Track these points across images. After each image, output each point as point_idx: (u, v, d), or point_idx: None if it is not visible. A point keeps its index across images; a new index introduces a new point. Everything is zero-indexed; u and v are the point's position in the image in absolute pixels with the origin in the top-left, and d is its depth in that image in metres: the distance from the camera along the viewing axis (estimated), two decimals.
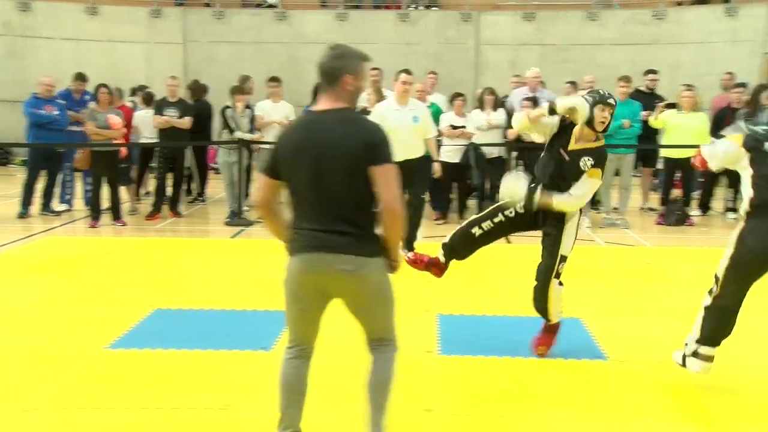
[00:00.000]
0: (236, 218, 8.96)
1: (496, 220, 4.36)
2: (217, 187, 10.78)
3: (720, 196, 9.74)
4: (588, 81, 10.37)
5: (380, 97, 9.46)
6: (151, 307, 5.16)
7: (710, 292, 3.75)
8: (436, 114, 9.43)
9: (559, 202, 4.19)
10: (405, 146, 6.99)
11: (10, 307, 5.27)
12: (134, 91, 11.49)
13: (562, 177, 4.21)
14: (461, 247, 4.47)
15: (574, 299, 5.53)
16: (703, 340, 3.74)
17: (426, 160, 7.18)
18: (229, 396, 3.75)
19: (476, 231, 4.38)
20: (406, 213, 5.84)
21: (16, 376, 3.99)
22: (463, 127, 9.04)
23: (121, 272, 6.30)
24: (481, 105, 9.37)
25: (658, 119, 9.10)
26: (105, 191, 8.69)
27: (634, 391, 3.89)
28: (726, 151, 3.82)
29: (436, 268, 4.50)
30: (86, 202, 9.13)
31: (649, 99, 9.53)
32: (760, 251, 3.56)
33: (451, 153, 8.99)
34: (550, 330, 4.39)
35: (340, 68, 2.86)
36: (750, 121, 8.82)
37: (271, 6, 15.41)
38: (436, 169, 7.29)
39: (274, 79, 9.63)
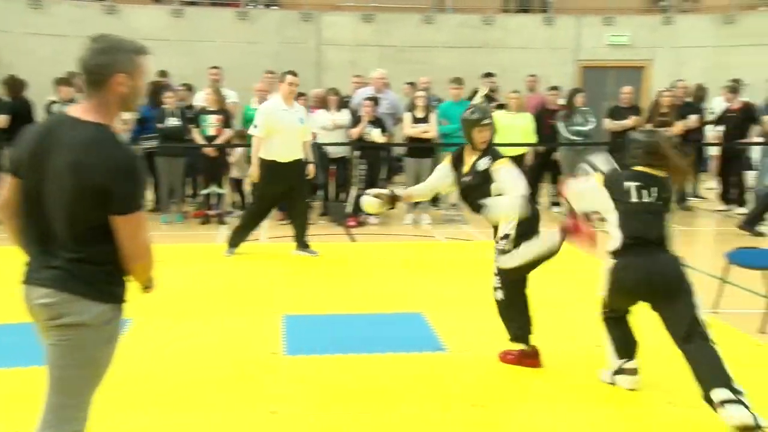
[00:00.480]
0: None
1: None
2: None
3: (545, 191, 10.46)
4: (424, 82, 10.75)
5: (220, 97, 9.24)
6: None
7: (603, 312, 3.93)
8: None
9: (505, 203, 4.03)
10: (293, 147, 6.97)
11: None
12: None
13: (484, 196, 4.13)
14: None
15: (416, 294, 5.74)
16: (620, 356, 3.90)
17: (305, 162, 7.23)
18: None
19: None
20: (296, 215, 5.70)
21: None
22: None
23: None
24: (324, 105, 9.42)
25: None
26: None
27: (472, 381, 4.06)
28: (592, 193, 3.85)
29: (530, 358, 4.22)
30: None
31: (489, 101, 10.03)
32: (634, 286, 3.70)
33: None
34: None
35: (108, 66, 2.30)
36: (569, 122, 9.58)
37: None
38: (311, 171, 7.31)
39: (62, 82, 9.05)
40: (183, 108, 9.29)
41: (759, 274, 5.15)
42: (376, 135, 8.81)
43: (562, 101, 10.12)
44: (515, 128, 9.43)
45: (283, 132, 6.84)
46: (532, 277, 4.26)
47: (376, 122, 9.02)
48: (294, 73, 6.99)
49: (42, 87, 9.93)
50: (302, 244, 7.10)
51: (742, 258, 5.17)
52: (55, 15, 14.11)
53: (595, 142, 9.89)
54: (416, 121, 9.05)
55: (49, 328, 2.31)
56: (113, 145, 2.29)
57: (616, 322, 3.91)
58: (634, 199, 3.71)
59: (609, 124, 9.80)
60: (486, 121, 4.19)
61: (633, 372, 3.89)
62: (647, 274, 3.63)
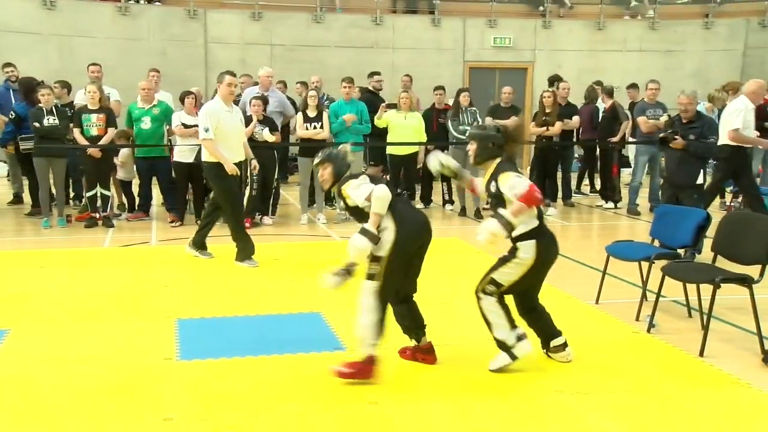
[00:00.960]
0: None
1: None
2: None
3: (437, 189, 10.70)
4: (315, 81, 10.74)
5: (102, 95, 8.84)
6: None
7: (490, 293, 4.14)
8: (166, 112, 9.09)
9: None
10: (236, 149, 6.79)
11: None
12: None
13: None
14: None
15: (314, 294, 5.71)
16: (513, 326, 4.15)
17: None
18: None
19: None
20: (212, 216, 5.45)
21: None
22: (196, 125, 8.80)
23: None
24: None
25: (381, 119, 9.72)
26: None
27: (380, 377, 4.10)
28: (521, 183, 4.00)
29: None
30: None
31: (376, 99, 10.15)
32: (554, 258, 4.20)
33: (185, 153, 8.72)
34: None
35: None
36: (455, 121, 9.85)
37: None
38: (255, 166, 7.22)
39: None
40: (61, 106, 8.82)
41: (635, 266, 5.48)
42: (266, 135, 8.70)
43: (450, 101, 10.40)
44: (407, 127, 9.61)
45: (227, 134, 6.64)
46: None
47: (266, 121, 8.91)
48: (233, 73, 6.79)
49: None
50: (201, 245, 6.94)
51: (619, 251, 5.48)
52: None
53: None
54: (308, 120, 9.02)
55: None
56: None
57: (501, 299, 4.17)
58: None
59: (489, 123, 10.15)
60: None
61: (525, 335, 4.19)
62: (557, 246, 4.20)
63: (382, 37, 15.42)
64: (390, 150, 9.91)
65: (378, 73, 11.04)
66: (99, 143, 8.56)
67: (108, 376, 4.01)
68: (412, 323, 4.31)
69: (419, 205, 10.13)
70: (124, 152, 9.22)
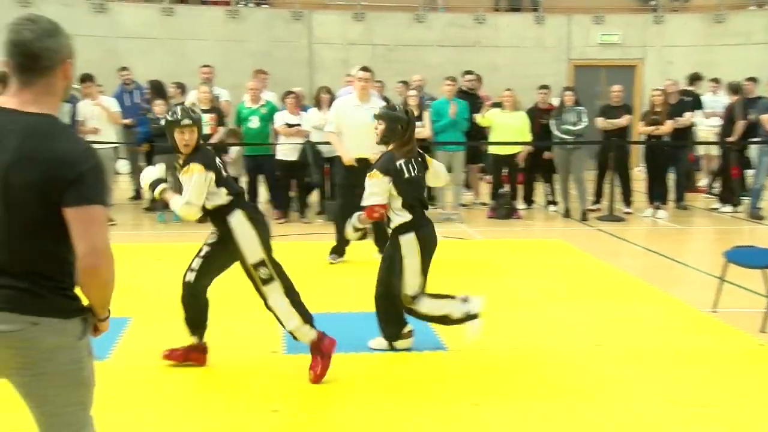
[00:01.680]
0: None
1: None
2: None
3: (540, 190, 10.50)
4: (417, 80, 10.76)
5: (212, 95, 9.21)
6: None
7: (411, 311, 4.37)
8: (273, 112, 9.36)
9: (174, 202, 4.04)
10: (361, 144, 6.59)
11: None
12: None
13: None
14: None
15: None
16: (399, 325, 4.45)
17: None
18: None
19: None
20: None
21: None
22: (299, 125, 9.03)
23: None
24: (318, 104, 9.41)
25: (485, 117, 9.63)
26: None
27: (473, 379, 4.07)
28: (381, 187, 4.18)
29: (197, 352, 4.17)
30: None
31: (470, 99, 10.07)
32: (435, 245, 4.38)
33: (287, 151, 8.95)
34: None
35: (57, 50, 2.00)
36: (558, 120, 9.62)
37: None
38: None
39: (87, 78, 9.00)
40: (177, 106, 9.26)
41: (759, 273, 5.15)
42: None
43: (554, 100, 10.16)
44: (509, 127, 9.47)
45: (351, 128, 6.72)
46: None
47: None
48: (364, 68, 6.83)
49: None
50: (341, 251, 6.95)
51: (740, 257, 5.18)
52: (41, 13, 13.97)
53: (586, 141, 9.94)
54: None
55: (21, 358, 1.98)
56: (67, 135, 2.03)
57: (429, 296, 4.34)
58: (406, 175, 4.22)
59: (601, 123, 9.84)
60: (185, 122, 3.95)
61: (410, 334, 4.44)
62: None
63: (483, 36, 15.26)
64: (492, 149, 9.81)
65: (471, 73, 10.91)
66: (209, 141, 8.91)
67: (218, 367, 4.17)
68: (202, 320, 4.17)
69: (521, 206, 9.98)
70: (233, 150, 9.56)
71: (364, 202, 4.23)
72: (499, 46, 15.16)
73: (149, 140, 8.98)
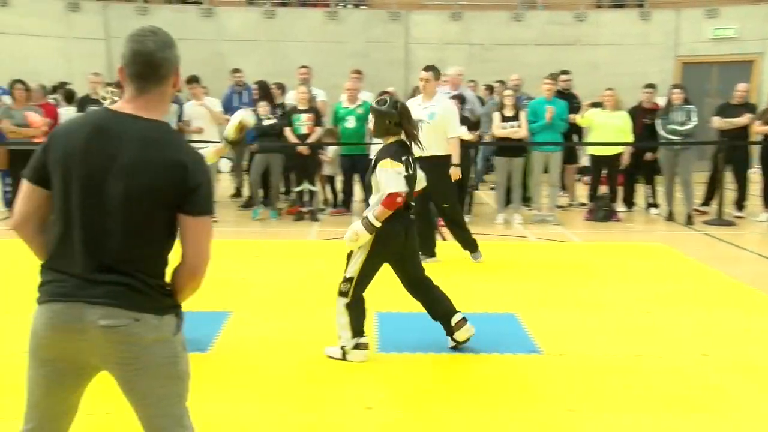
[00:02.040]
0: None
1: None
2: None
3: (641, 192, 10.12)
4: (514, 80, 10.60)
5: (311, 95, 9.41)
6: None
7: (344, 294, 4.18)
8: (368, 112, 9.44)
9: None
10: (424, 141, 6.66)
11: None
12: (54, 89, 11.05)
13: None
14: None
15: (509, 294, 5.67)
16: (356, 334, 4.20)
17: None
18: None
19: None
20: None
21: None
22: None
23: None
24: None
25: (584, 117, 9.38)
26: None
27: (568, 384, 3.98)
28: (400, 174, 4.10)
29: None
30: (5, 203, 8.70)
31: (567, 99, 9.83)
32: (397, 239, 4.16)
33: None
34: None
35: (173, 61, 2.13)
36: (665, 120, 9.23)
37: (196, 2, 15.09)
38: (453, 172, 6.83)
39: (193, 80, 9.36)
40: (275, 106, 9.51)
41: None
42: (463, 133, 8.74)
43: (659, 99, 9.77)
44: (610, 127, 9.18)
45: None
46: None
47: (463, 120, 8.95)
48: (426, 68, 6.74)
49: None
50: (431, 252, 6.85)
51: None
52: (157, 20, 14.73)
53: (695, 141, 9.49)
54: (505, 119, 8.93)
55: (124, 353, 2.07)
56: (180, 145, 2.14)
57: (358, 303, 4.19)
58: (409, 171, 4.18)
59: (719, 122, 9.34)
60: None
61: (366, 346, 4.25)
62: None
63: (583, 34, 14.87)
64: (591, 150, 9.53)
65: (567, 72, 10.62)
66: (307, 141, 9.12)
67: (314, 362, 4.25)
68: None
69: (620, 208, 9.66)
70: (330, 150, 9.73)
71: (385, 190, 4.05)
72: (600, 44, 14.73)
73: (253, 140, 9.28)
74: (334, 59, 14.24)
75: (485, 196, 11.03)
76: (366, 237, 4.07)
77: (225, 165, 13.27)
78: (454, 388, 3.91)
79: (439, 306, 4.42)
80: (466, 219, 9.10)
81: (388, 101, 4.34)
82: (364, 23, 15.22)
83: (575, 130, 9.84)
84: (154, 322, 2.08)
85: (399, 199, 4.04)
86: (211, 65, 13.46)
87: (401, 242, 4.21)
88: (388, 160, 4.11)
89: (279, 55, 14.59)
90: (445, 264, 6.80)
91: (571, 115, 9.36)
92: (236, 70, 10.65)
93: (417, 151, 4.45)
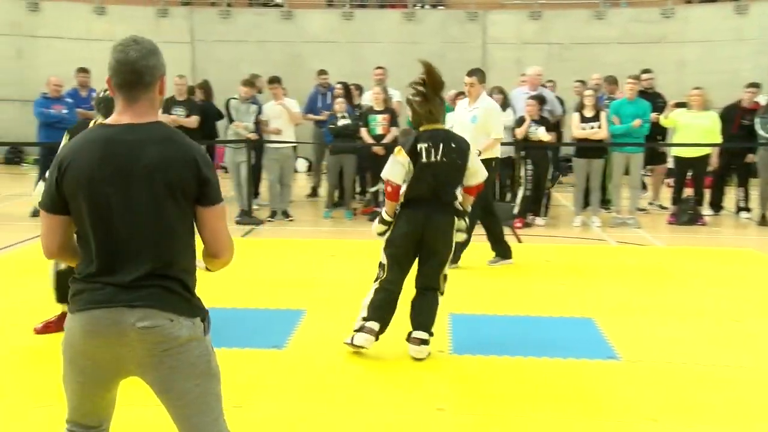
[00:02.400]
0: (246, 217, 8.96)
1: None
2: (225, 186, 10.81)
3: (731, 194, 9.69)
4: (595, 79, 10.34)
5: (387, 96, 9.45)
6: None
7: (377, 278, 4.31)
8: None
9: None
10: None
11: (26, 305, 5.27)
12: None
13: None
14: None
15: (586, 299, 5.54)
16: (370, 318, 4.25)
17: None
18: (242, 394, 3.73)
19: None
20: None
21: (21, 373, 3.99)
22: None
23: None
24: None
25: (668, 118, 9.06)
26: None
27: (650, 393, 3.85)
28: (400, 164, 4.22)
29: None
30: None
31: (647, 98, 9.52)
32: (407, 231, 4.21)
33: None
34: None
35: (156, 67, 2.17)
36: (764, 119, 8.80)
37: (277, 5, 15.41)
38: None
39: (275, 80, 9.57)
40: (352, 107, 9.61)
41: None
42: (542, 134, 8.62)
43: (761, 98, 9.31)
44: (697, 127, 8.82)
45: (457, 129, 6.72)
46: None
47: (541, 121, 8.81)
48: (469, 73, 6.87)
49: (222, 90, 10.73)
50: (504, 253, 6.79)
51: None
52: (240, 23, 15.15)
53: None
54: (584, 120, 8.73)
55: (160, 353, 2.13)
56: (187, 140, 2.22)
57: (385, 291, 4.26)
58: (424, 159, 4.19)
59: None
60: None
61: (372, 332, 4.22)
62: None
63: (669, 30, 14.36)
64: (676, 152, 9.20)
65: (648, 71, 10.23)
66: (383, 141, 9.16)
67: (386, 361, 4.27)
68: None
69: (707, 212, 9.28)
70: None
71: (382, 175, 4.33)
72: (688, 41, 14.18)
73: (330, 141, 9.41)
74: (410, 60, 14.16)
75: (562, 198, 10.82)
76: (378, 227, 4.35)
77: (302, 165, 13.48)
78: (527, 392, 3.85)
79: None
80: (542, 221, 8.96)
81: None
82: (441, 23, 15.17)
83: (660, 130, 9.50)
84: (187, 323, 2.15)
85: (388, 188, 4.25)
86: (290, 67, 13.74)
87: (413, 233, 4.21)
88: (399, 148, 4.28)
89: (357, 57, 14.72)
90: (522, 266, 6.71)
91: (653, 114, 9.05)
92: (322, 72, 10.81)
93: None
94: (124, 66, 2.14)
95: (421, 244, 4.23)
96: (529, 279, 6.25)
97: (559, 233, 8.52)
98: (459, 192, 4.40)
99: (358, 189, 10.20)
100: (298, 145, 10.31)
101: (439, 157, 4.19)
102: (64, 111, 9.18)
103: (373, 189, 9.42)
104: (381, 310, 4.25)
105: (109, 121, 2.21)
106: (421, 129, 4.34)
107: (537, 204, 8.98)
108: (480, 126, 6.59)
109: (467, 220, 4.50)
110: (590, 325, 4.94)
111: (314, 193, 11.08)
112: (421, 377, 4.07)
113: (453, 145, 4.27)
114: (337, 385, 3.94)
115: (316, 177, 11.14)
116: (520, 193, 8.77)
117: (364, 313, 4.27)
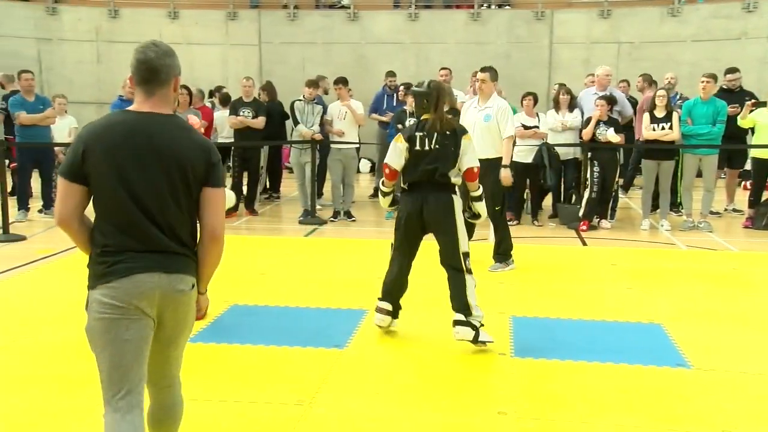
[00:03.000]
0: (309, 217, 9.07)
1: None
2: (290, 186, 10.97)
3: None
4: (669, 78, 10.04)
5: (452, 98, 9.40)
6: (228, 302, 5.24)
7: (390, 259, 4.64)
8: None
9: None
10: (478, 144, 6.73)
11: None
12: (212, 93, 11.80)
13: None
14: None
15: (654, 304, 5.39)
16: (383, 297, 4.64)
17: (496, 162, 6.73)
18: (304, 392, 3.79)
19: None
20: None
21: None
22: (536, 127, 8.89)
23: None
24: (556, 105, 9.20)
25: (747, 119, 8.72)
26: None
27: (722, 402, 3.72)
28: (399, 150, 4.47)
29: None
30: None
31: (733, 97, 9.13)
32: (408, 212, 4.49)
33: (523, 153, 8.85)
34: None
35: (171, 67, 2.49)
36: None
37: (343, 7, 15.55)
38: (504, 176, 6.80)
39: (341, 81, 9.64)
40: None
41: None
42: (611, 135, 8.42)
43: None
44: None
45: (468, 129, 6.62)
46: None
47: (610, 121, 8.61)
48: (483, 69, 6.63)
49: (288, 91, 10.89)
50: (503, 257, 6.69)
51: None
52: (307, 24, 15.35)
53: None
54: (655, 120, 8.48)
55: (183, 311, 2.51)
56: (196, 131, 2.57)
57: (393, 268, 4.66)
58: (418, 147, 4.42)
59: None
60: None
61: (383, 311, 4.61)
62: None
63: (751, 26, 13.77)
64: (754, 153, 8.83)
65: (734, 71, 9.80)
66: None
67: (447, 362, 4.25)
68: None
69: None
70: None
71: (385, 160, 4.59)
72: None
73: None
74: (476, 60, 14.12)
75: (630, 201, 10.55)
76: (382, 200, 4.81)
77: (365, 165, 13.55)
78: (592, 398, 3.77)
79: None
80: (609, 224, 8.74)
81: (426, 82, 4.66)
82: (508, 23, 15.00)
83: (745, 130, 9.11)
84: (192, 281, 2.52)
85: (386, 170, 4.53)
86: (356, 68, 13.86)
87: (413, 214, 4.48)
88: (399, 135, 4.54)
89: (422, 58, 14.71)
90: (586, 270, 6.57)
91: (730, 108, 8.67)
92: (390, 73, 10.85)
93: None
94: (143, 64, 2.45)
95: (423, 224, 4.50)
96: (594, 282, 6.12)
97: (626, 236, 8.31)
98: (457, 175, 4.51)
99: None
100: (361, 145, 10.39)
101: (432, 146, 4.40)
102: None
103: None
104: (389, 287, 4.65)
105: (131, 108, 2.50)
106: (423, 117, 4.54)
107: (603, 206, 8.78)
108: (492, 125, 6.50)
109: (474, 204, 4.71)
110: (658, 330, 4.80)
111: (377, 194, 11.12)
112: (482, 380, 4.03)
113: (448, 133, 4.46)
114: (397, 386, 3.94)
115: (378, 178, 11.18)
116: (586, 195, 8.60)
117: (380, 294, 4.67)
